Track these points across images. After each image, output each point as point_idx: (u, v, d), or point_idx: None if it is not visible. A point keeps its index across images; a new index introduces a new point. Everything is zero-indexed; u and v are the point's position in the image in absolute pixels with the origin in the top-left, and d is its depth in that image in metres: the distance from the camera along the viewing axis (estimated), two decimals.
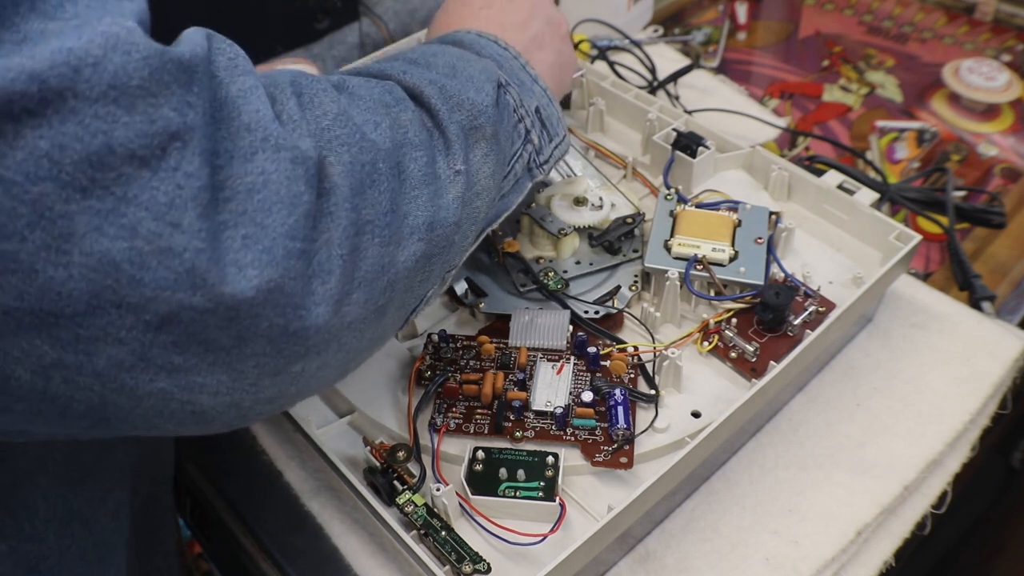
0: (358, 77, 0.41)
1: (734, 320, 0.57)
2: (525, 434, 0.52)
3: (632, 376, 0.55)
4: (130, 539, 0.51)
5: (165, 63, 0.29)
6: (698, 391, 0.55)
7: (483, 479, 0.49)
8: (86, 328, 0.28)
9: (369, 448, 0.50)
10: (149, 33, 0.30)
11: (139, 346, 0.30)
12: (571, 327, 0.57)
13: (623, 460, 0.50)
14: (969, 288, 0.67)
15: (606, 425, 0.52)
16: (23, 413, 0.30)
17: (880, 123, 0.88)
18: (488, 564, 0.46)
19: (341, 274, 0.34)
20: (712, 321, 0.57)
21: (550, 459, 0.50)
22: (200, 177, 0.29)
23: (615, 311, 0.59)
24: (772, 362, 0.52)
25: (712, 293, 0.58)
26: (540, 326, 0.57)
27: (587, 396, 0.53)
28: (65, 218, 0.27)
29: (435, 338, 0.57)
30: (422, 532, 0.47)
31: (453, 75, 0.44)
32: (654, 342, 0.57)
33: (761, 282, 0.57)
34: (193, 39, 0.32)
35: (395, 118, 0.39)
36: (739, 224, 0.61)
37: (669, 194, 0.64)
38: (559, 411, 0.52)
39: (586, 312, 0.58)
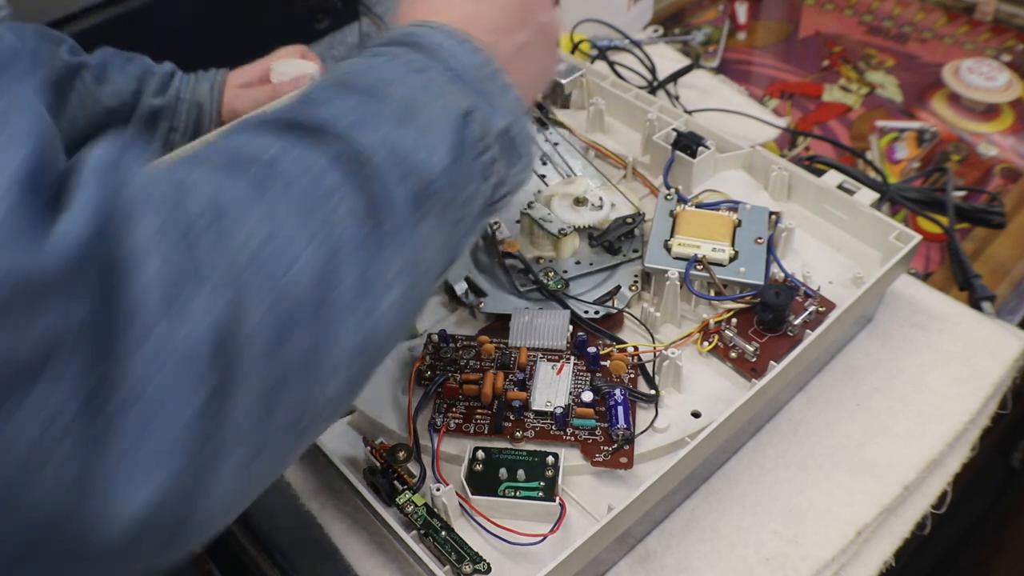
0: (298, 147, 0.34)
1: (734, 320, 0.57)
2: (525, 434, 0.52)
3: (632, 376, 0.55)
4: None
5: (36, 271, 0.24)
6: (698, 391, 0.55)
7: (483, 479, 0.49)
8: None
9: (369, 448, 0.50)
10: (51, 155, 0.26)
11: None
12: (571, 327, 0.57)
13: (623, 460, 0.50)
14: (969, 288, 0.67)
15: (606, 425, 0.52)
16: None
17: (880, 123, 0.88)
18: (488, 564, 0.46)
19: (243, 459, 0.30)
20: (712, 321, 0.57)
21: (550, 459, 0.50)
22: (75, 400, 0.25)
23: (615, 311, 0.59)
24: (772, 362, 0.52)
25: (712, 293, 0.58)
26: (540, 326, 0.57)
27: (587, 396, 0.53)
28: None
29: (435, 338, 0.57)
30: (422, 532, 0.47)
31: (408, 119, 0.37)
32: (654, 342, 0.57)
33: (761, 282, 0.57)
34: (89, 186, 0.26)
35: (328, 218, 0.32)
36: (739, 224, 0.61)
37: (669, 194, 0.64)
38: (559, 411, 0.52)
39: (586, 312, 0.58)
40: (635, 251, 0.62)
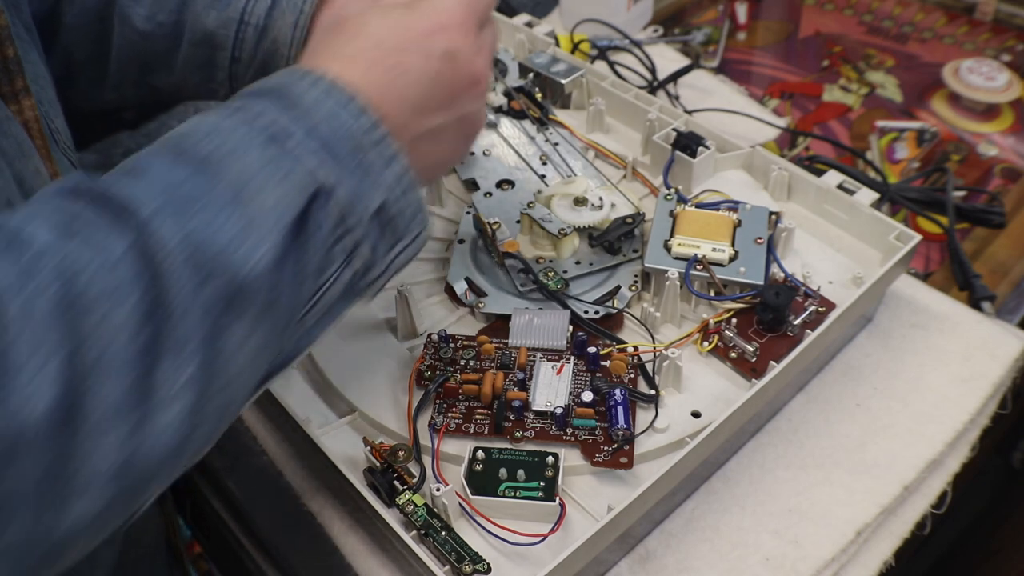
0: (96, 232, 0.30)
1: (734, 320, 0.57)
2: (525, 434, 0.52)
3: (632, 376, 0.55)
4: None
5: None
6: (698, 391, 0.55)
7: (483, 479, 0.49)
8: None
9: (369, 448, 0.50)
10: None
11: None
12: (571, 327, 0.57)
13: (623, 460, 0.50)
14: (969, 288, 0.67)
15: (606, 425, 0.52)
16: None
17: (880, 123, 0.88)
18: (488, 564, 0.46)
19: None
20: (712, 321, 0.57)
21: (550, 459, 0.50)
22: None
23: (615, 311, 0.59)
24: (772, 362, 0.52)
25: (712, 293, 0.58)
26: (540, 326, 0.56)
27: (587, 396, 0.53)
28: None
29: (435, 338, 0.56)
30: (422, 532, 0.47)
31: (233, 207, 0.32)
32: (654, 342, 0.57)
33: (761, 282, 0.57)
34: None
35: (95, 328, 0.28)
36: (739, 224, 0.61)
37: (669, 194, 0.64)
38: (559, 411, 0.52)
39: (586, 312, 0.58)
40: (635, 251, 0.62)
